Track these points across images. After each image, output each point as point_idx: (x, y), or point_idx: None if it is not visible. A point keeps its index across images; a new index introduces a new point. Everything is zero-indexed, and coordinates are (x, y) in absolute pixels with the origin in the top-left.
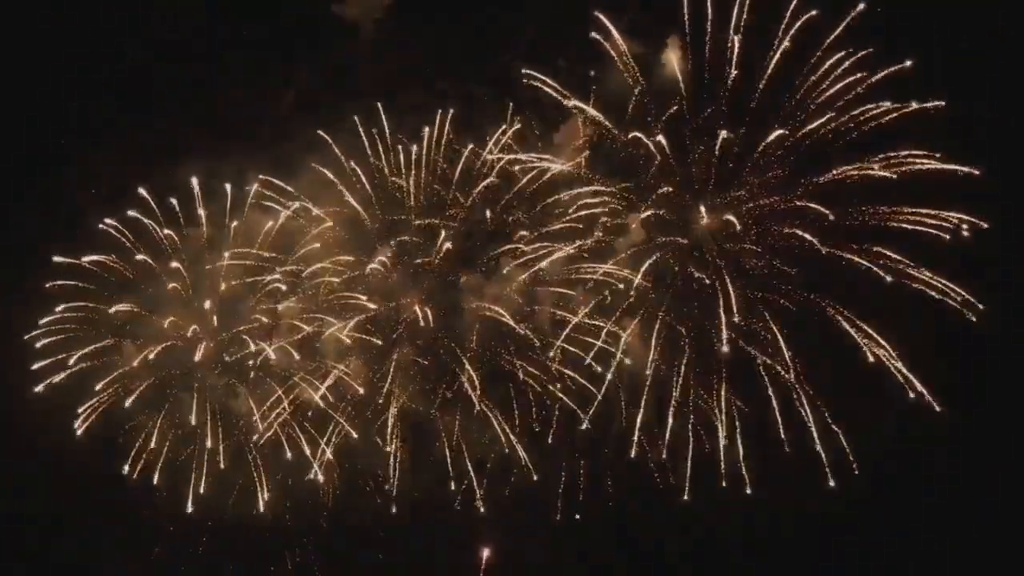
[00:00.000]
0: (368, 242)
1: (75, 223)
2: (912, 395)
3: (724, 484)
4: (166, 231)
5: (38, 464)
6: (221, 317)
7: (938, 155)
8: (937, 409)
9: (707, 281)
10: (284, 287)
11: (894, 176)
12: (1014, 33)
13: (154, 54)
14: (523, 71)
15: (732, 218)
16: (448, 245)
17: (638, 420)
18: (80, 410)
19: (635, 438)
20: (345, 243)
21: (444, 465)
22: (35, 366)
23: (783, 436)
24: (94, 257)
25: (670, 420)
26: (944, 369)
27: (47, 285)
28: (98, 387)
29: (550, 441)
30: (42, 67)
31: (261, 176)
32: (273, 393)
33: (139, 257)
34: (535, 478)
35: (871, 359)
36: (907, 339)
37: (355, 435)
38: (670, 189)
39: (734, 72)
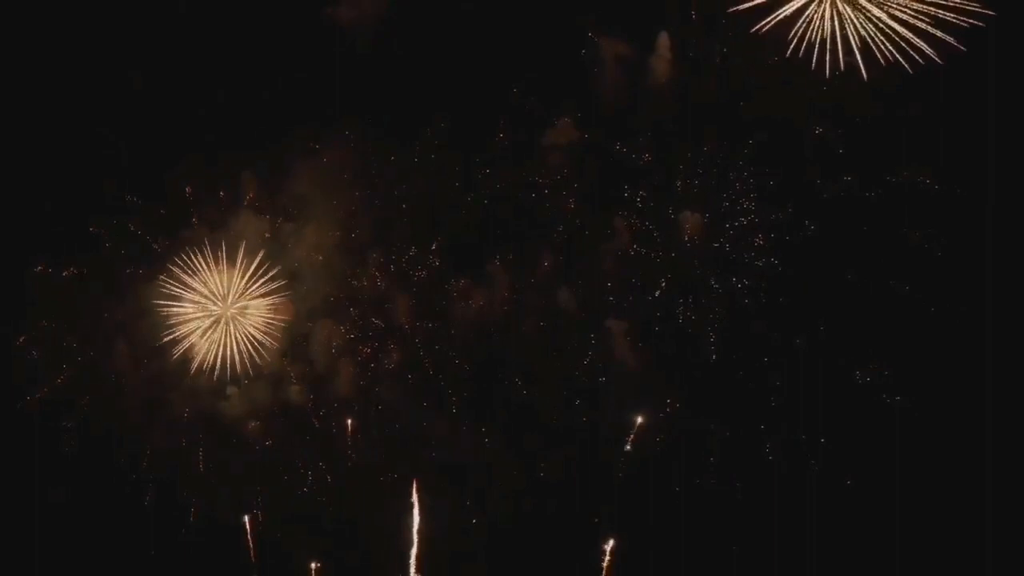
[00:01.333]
0: (359, 249)
1: (65, 227)
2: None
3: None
4: (157, 236)
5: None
6: (213, 321)
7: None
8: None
9: (690, 299)
10: (276, 292)
11: (878, 192)
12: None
13: (149, 57)
14: (513, 77)
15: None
16: (437, 262)
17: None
18: (69, 422)
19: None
20: (336, 249)
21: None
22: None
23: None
24: (75, 270)
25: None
26: (924, 371)
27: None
28: (88, 398)
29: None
30: (38, 68)
31: (254, 181)
32: (264, 396)
33: (130, 262)
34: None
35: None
36: (886, 345)
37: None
38: (650, 203)
39: (720, 80)
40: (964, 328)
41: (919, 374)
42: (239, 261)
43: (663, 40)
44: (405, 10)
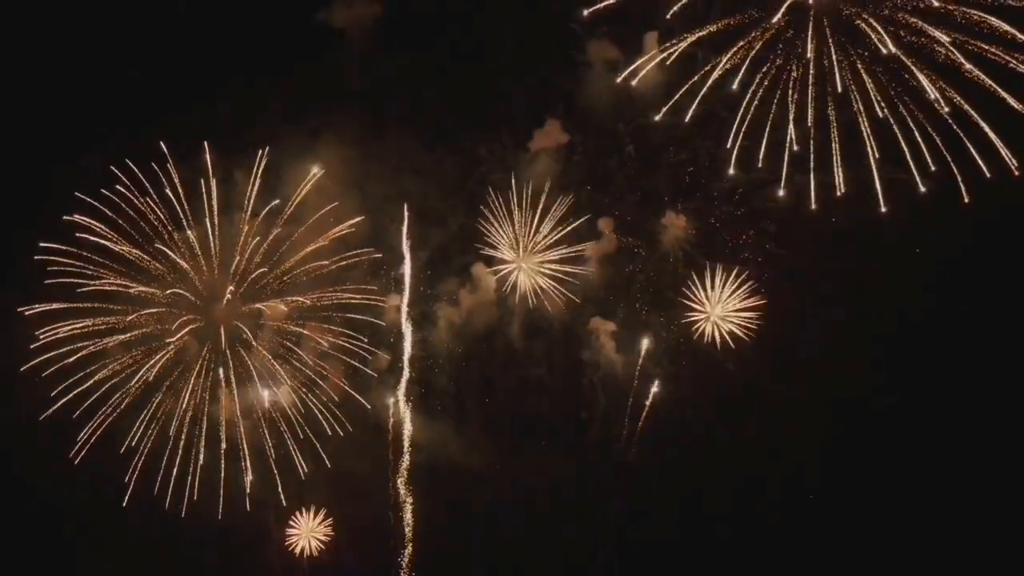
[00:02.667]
0: (352, 248)
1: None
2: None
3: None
4: (153, 238)
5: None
6: (207, 320)
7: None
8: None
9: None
10: (270, 291)
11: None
12: None
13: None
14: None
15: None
16: (426, 253)
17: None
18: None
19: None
20: (330, 249)
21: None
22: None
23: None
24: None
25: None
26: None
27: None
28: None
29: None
30: (39, 71)
31: (250, 181)
32: (256, 395)
33: (126, 261)
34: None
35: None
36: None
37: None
38: (627, 214)
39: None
40: (962, 330)
41: (915, 375)
42: (235, 262)
43: (651, 45)
44: (398, 13)
